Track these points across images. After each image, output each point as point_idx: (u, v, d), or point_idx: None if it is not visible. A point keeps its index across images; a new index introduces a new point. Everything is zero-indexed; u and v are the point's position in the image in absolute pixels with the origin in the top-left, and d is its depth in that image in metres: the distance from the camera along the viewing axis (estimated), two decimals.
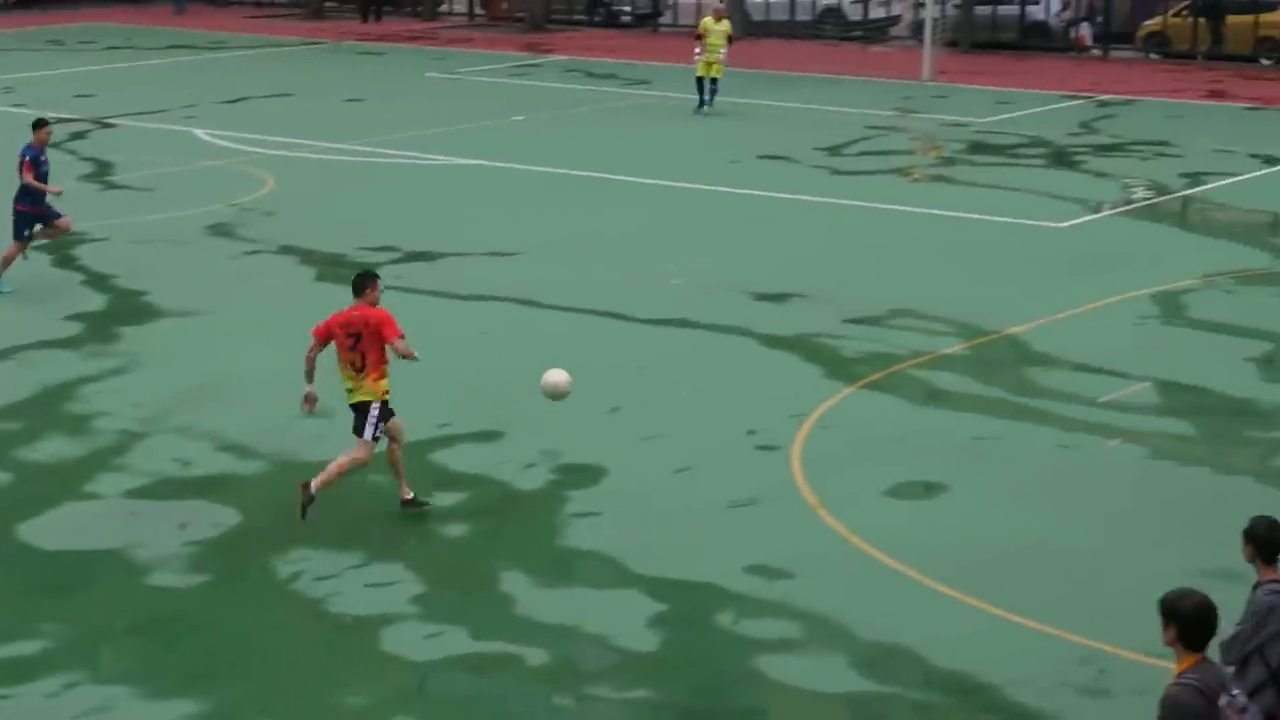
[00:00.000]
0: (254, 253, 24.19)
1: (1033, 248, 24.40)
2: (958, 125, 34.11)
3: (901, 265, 23.41)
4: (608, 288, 22.09)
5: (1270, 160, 30.29)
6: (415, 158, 30.95)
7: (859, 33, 48.37)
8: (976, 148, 31.87)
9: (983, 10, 45.62)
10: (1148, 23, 44.56)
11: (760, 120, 35.24)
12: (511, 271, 23.10)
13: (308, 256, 23.87)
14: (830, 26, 47.96)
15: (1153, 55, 43.83)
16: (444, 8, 54.29)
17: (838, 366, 18.99)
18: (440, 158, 30.90)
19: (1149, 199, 27.75)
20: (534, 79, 41.07)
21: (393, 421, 14.78)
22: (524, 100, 37.70)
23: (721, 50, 34.77)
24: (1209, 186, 28.35)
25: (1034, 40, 45.34)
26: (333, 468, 14.69)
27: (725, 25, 35.27)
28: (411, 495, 14.95)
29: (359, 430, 14.65)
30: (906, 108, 36.13)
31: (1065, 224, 25.63)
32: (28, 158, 21.88)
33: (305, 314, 20.92)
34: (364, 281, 14.88)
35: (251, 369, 18.96)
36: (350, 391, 14.69)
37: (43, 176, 21.94)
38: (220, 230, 25.46)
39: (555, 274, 22.90)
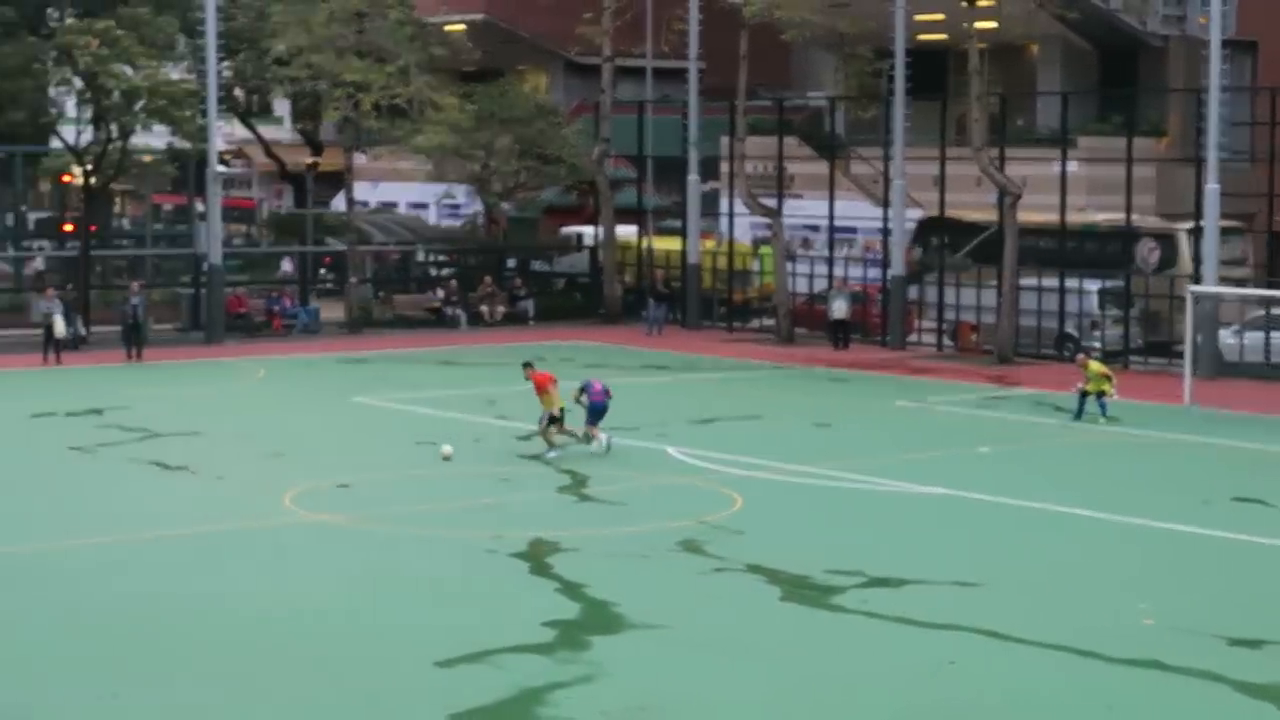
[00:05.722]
0: (721, 570, 24.57)
1: None
2: None
3: None
4: (1075, 624, 21.76)
5: None
6: (880, 484, 31.15)
7: None
8: None
9: None
10: None
11: (1233, 462, 34.54)
12: (975, 602, 22.96)
13: (773, 577, 24.13)
14: None
15: None
16: (912, 337, 54.87)
17: None
18: (905, 485, 31.05)
19: None
20: (1002, 411, 41.08)
21: None
22: (991, 432, 37.71)
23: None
24: None
25: None
26: None
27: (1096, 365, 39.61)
28: None
29: None
30: None
31: None
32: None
33: (769, 634, 21.30)
34: None
35: (711, 687, 19.16)
36: None
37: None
38: (689, 546, 25.98)
39: (1020, 607, 22.68)
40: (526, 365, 34.80)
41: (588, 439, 33.91)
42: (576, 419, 34.16)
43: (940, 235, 55.35)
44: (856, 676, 19.65)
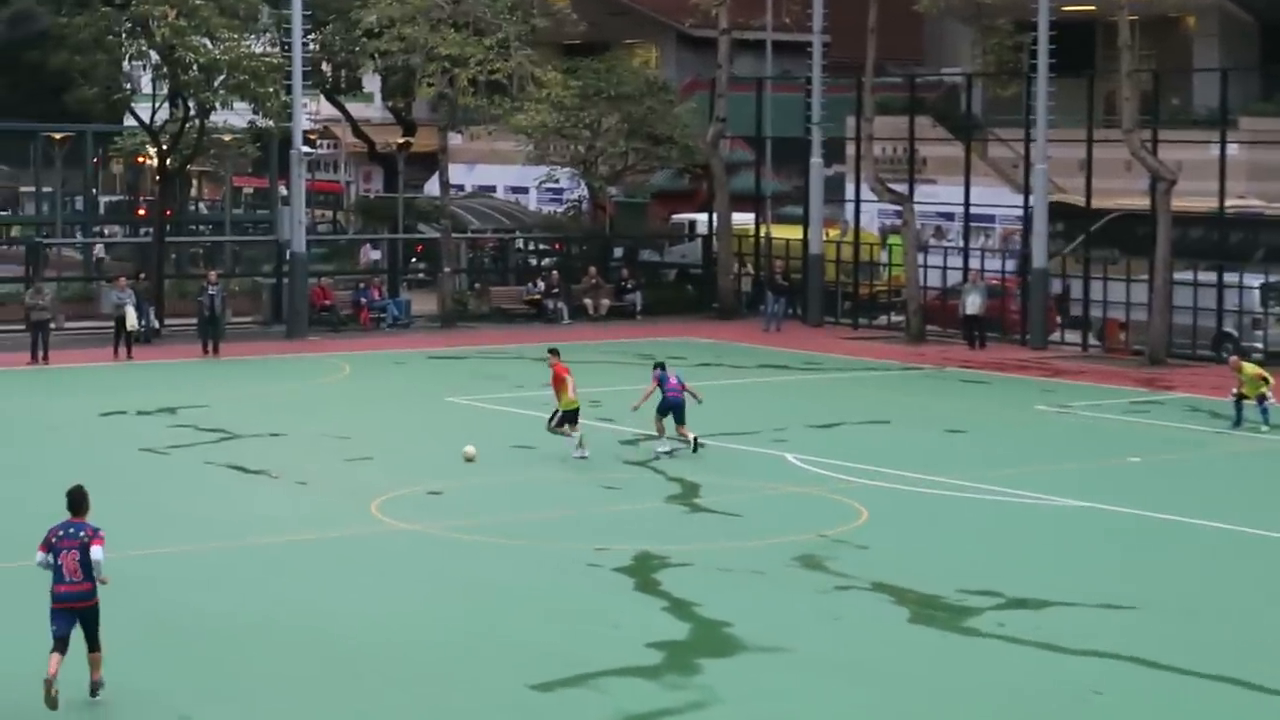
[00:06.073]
0: (844, 589, 24.39)
1: None
2: None
3: None
4: (1235, 652, 21.46)
5: None
6: (1018, 496, 30.87)
7: None
8: None
9: None
10: None
11: None
12: (1124, 626, 22.67)
13: (902, 596, 23.93)
14: None
15: None
16: (1054, 336, 54.38)
17: None
18: (1045, 497, 30.75)
19: None
20: (1153, 417, 40.66)
21: None
22: (1141, 440, 37.33)
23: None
24: None
25: None
26: None
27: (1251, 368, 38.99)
28: None
29: None
30: None
31: None
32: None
33: (896, 659, 21.10)
34: None
35: (833, 716, 19.01)
36: None
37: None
38: (809, 562, 25.81)
39: (1174, 632, 22.39)
40: (552, 352, 35.16)
41: (680, 441, 34.10)
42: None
43: (1055, 222, 54.65)
44: (993, 706, 19.44)
